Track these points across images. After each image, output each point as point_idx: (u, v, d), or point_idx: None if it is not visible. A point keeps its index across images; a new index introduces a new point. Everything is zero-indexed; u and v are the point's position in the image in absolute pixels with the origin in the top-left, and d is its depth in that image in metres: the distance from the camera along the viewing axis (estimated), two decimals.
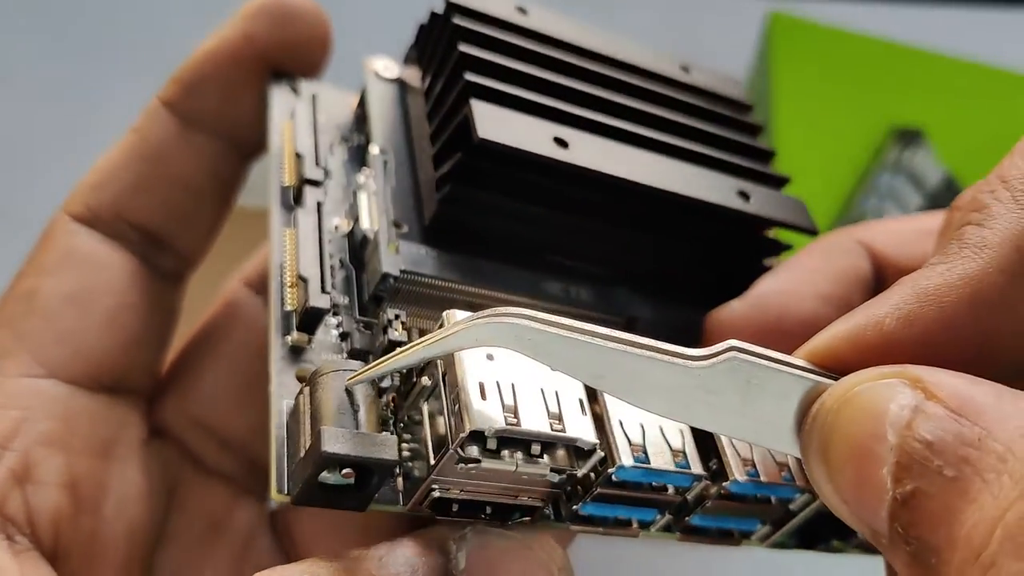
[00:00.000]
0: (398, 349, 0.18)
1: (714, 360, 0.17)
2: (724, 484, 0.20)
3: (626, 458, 0.19)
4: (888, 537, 0.15)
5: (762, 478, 0.20)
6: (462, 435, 0.17)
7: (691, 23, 0.66)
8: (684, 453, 0.20)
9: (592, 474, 0.19)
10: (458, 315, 0.19)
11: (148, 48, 0.65)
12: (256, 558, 0.25)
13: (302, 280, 0.21)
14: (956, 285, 0.16)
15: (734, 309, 0.24)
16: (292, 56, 0.25)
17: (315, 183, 0.23)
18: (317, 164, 0.23)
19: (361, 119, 0.26)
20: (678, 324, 0.24)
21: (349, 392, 0.18)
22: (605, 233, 0.24)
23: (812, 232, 0.25)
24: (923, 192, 0.51)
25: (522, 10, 0.25)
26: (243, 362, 0.26)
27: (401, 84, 0.26)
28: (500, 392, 0.18)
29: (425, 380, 0.19)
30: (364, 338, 0.21)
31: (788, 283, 0.24)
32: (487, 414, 0.17)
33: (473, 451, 0.17)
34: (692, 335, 0.24)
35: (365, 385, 0.18)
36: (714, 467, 0.20)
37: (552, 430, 0.18)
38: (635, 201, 0.23)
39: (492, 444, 0.18)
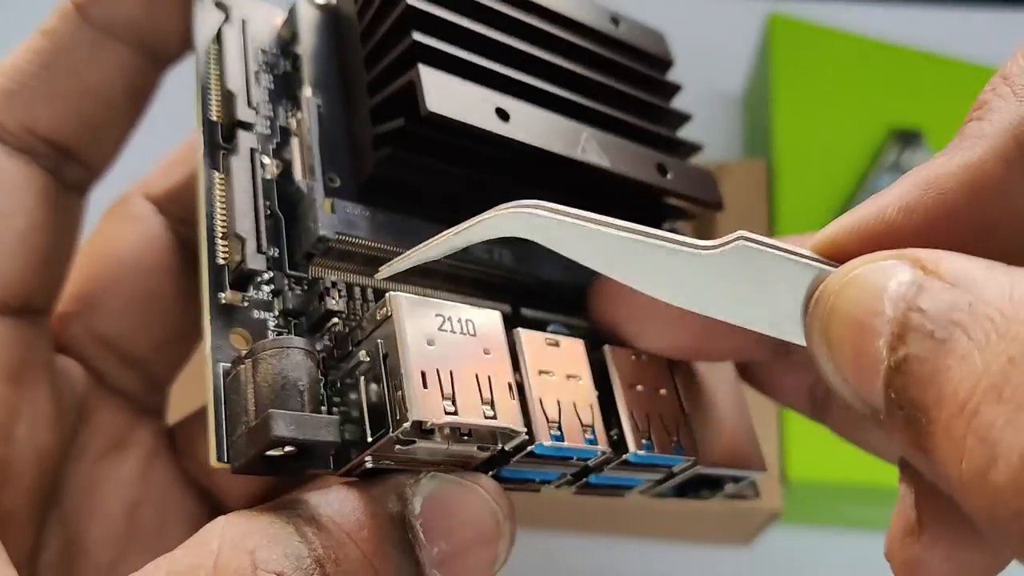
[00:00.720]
0: (427, 242, 0.20)
1: (724, 248, 0.18)
2: (624, 456, 0.22)
3: (544, 437, 0.20)
4: (884, 407, 0.15)
5: (656, 450, 0.22)
6: (405, 424, 0.18)
7: (691, 24, 0.64)
8: (592, 428, 0.22)
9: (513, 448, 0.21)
10: (400, 297, 0.19)
11: None
12: (158, 474, 0.26)
13: (238, 238, 0.21)
14: (955, 173, 0.17)
15: None
16: None
17: (248, 126, 0.22)
18: (250, 104, 0.23)
19: (287, 42, 0.25)
20: (586, 283, 0.25)
21: (292, 370, 0.19)
22: (533, 196, 0.24)
23: (718, 207, 0.27)
24: None
25: None
26: (145, 280, 0.26)
27: (333, 11, 0.25)
28: (440, 381, 0.19)
29: (363, 355, 0.20)
30: (296, 298, 0.21)
31: None
32: (429, 405, 0.18)
33: (412, 436, 0.18)
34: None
35: (309, 363, 0.19)
36: (615, 437, 0.22)
37: (485, 418, 0.19)
38: (566, 171, 0.24)
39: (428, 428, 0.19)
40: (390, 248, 0.22)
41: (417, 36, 0.22)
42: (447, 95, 0.21)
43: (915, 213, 0.17)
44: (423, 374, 0.19)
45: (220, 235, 0.21)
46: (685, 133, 0.28)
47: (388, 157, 0.22)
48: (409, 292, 0.23)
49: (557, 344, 0.22)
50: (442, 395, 0.19)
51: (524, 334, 0.22)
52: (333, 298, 0.21)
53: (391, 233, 0.22)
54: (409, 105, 0.21)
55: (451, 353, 0.19)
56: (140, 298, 0.25)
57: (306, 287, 0.22)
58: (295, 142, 0.22)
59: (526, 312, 0.25)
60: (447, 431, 0.19)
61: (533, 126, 0.23)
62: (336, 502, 0.19)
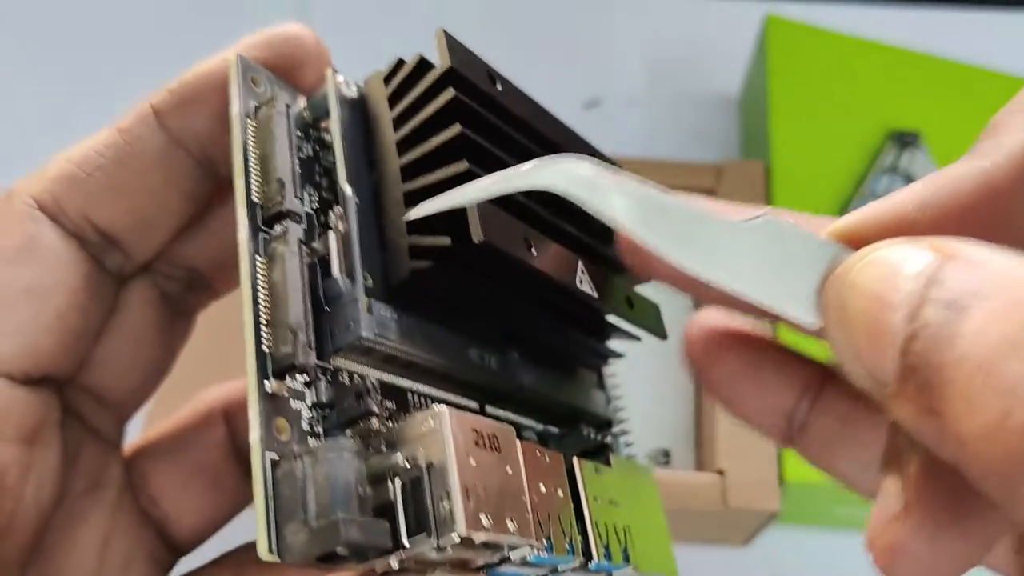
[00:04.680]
0: (468, 184, 0.21)
1: (752, 220, 0.19)
2: (588, 563, 0.25)
3: (540, 549, 0.23)
4: (897, 377, 0.16)
5: (612, 560, 0.25)
6: (452, 535, 0.20)
7: (688, 26, 0.65)
8: (571, 539, 0.24)
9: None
10: (445, 413, 0.21)
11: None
12: (125, 510, 0.27)
13: (291, 331, 0.21)
14: (969, 175, 0.18)
15: None
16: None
17: (296, 217, 0.23)
18: (296, 194, 0.24)
19: (310, 125, 0.26)
20: (551, 386, 0.28)
21: (351, 473, 0.20)
22: (525, 313, 0.27)
23: (663, 338, 0.30)
24: None
25: (492, 78, 0.27)
26: (133, 333, 0.27)
27: (362, 103, 0.27)
28: (479, 496, 0.21)
29: (400, 459, 0.21)
30: (328, 391, 0.22)
31: None
32: (473, 520, 0.20)
33: (450, 545, 0.20)
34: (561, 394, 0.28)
35: (362, 466, 0.20)
36: (580, 543, 0.25)
37: (514, 534, 0.21)
38: (555, 295, 0.26)
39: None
40: (412, 352, 0.24)
41: (471, 166, 0.24)
42: (492, 223, 0.23)
43: (930, 208, 0.18)
44: (467, 490, 0.20)
45: (264, 322, 0.22)
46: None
47: (426, 271, 0.23)
48: (380, 376, 0.25)
49: (544, 456, 0.25)
50: (480, 510, 0.21)
51: (521, 448, 0.24)
52: (373, 399, 0.22)
53: (414, 338, 0.24)
54: (453, 224, 0.23)
55: (484, 469, 0.21)
56: (125, 355, 0.27)
57: (330, 379, 0.23)
58: (332, 236, 0.23)
59: (490, 410, 0.28)
60: (480, 543, 0.21)
61: (548, 257, 0.25)
62: None
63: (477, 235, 0.23)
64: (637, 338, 0.31)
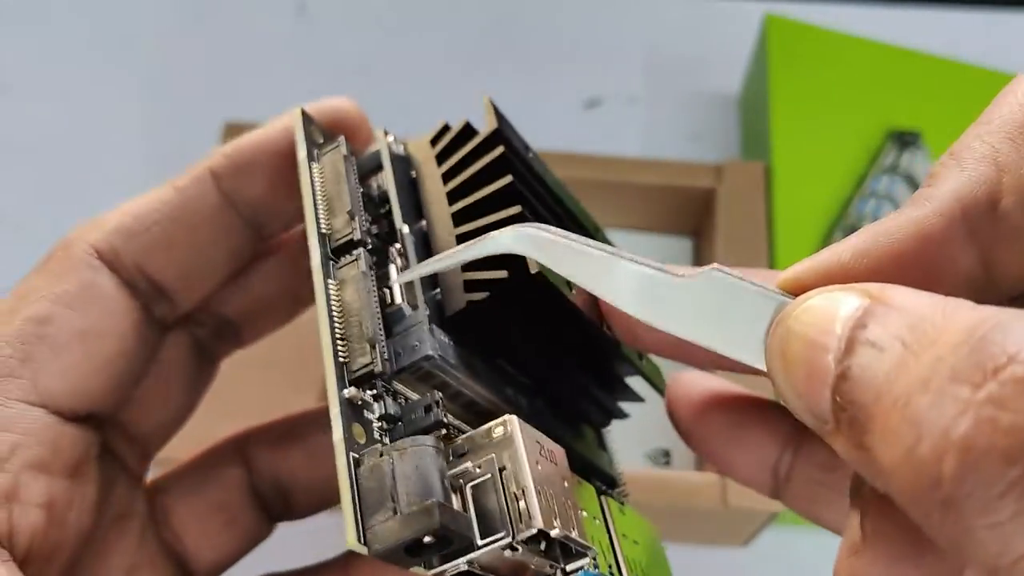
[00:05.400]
0: (443, 253, 0.24)
1: (697, 274, 0.21)
2: None
3: (590, 566, 0.24)
4: (830, 414, 0.17)
5: None
6: (529, 531, 0.21)
7: (687, 25, 0.65)
8: (610, 565, 0.25)
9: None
10: (516, 420, 0.22)
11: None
12: (151, 541, 0.28)
13: (371, 343, 0.23)
14: (903, 224, 0.19)
15: None
16: None
17: (365, 244, 0.25)
18: (363, 226, 0.25)
19: (365, 176, 0.28)
20: (569, 434, 0.30)
21: (437, 467, 0.21)
22: (557, 356, 0.29)
23: (662, 394, 0.32)
24: None
25: (526, 146, 0.29)
26: (166, 376, 0.29)
27: (406, 161, 0.29)
28: (548, 498, 0.22)
29: (472, 466, 0.22)
30: (394, 406, 0.23)
31: None
32: (548, 517, 0.21)
33: (524, 543, 0.21)
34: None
35: (444, 463, 0.21)
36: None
37: (582, 538, 0.22)
38: (586, 337, 0.28)
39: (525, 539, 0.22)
40: (465, 380, 0.25)
41: (522, 210, 0.26)
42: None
43: (867, 256, 0.20)
44: (539, 490, 0.22)
45: (339, 336, 0.23)
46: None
47: (481, 304, 0.25)
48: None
49: (582, 485, 0.26)
50: (550, 508, 0.22)
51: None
52: (441, 412, 0.23)
53: (464, 365, 0.25)
54: (510, 261, 0.25)
55: (547, 476, 0.23)
56: (157, 397, 0.28)
57: (394, 396, 0.24)
58: (393, 269, 0.25)
59: None
60: (553, 541, 0.22)
61: (583, 300, 0.27)
62: None
63: (533, 267, 0.25)
64: (642, 399, 0.33)
